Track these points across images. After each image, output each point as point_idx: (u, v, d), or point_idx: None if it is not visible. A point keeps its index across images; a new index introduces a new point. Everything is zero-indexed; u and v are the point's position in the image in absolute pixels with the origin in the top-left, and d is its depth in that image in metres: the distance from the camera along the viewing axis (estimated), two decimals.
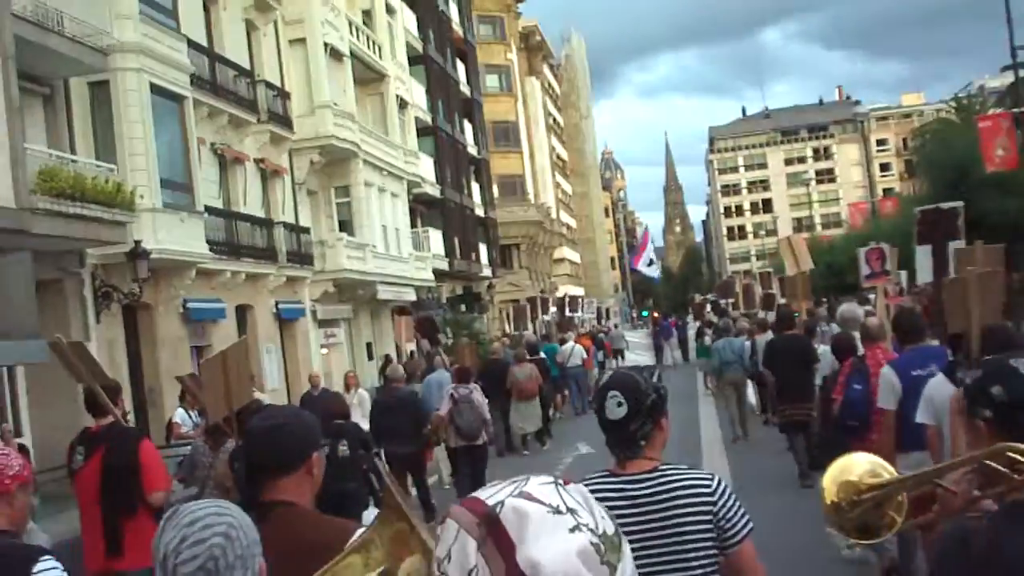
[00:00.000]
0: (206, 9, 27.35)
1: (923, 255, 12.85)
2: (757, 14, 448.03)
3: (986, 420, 2.97)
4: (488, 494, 1.42)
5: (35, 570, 3.44)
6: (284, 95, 30.69)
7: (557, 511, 1.38)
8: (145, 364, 22.89)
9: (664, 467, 3.59)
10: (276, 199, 30.16)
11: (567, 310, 51.52)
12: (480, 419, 14.54)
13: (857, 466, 3.43)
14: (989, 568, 2.53)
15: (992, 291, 8.72)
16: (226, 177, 27.46)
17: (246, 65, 28.86)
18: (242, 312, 27.52)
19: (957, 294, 9.62)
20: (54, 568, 3.49)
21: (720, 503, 3.51)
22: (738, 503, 3.56)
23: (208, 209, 24.56)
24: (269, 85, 29.77)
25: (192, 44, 24.71)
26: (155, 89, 21.55)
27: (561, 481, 1.45)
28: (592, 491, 3.46)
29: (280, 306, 29.44)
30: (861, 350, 9.38)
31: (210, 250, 23.59)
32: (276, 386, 27.70)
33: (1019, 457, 2.78)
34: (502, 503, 1.39)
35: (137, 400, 21.55)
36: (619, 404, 3.53)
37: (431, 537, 1.65)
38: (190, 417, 15.43)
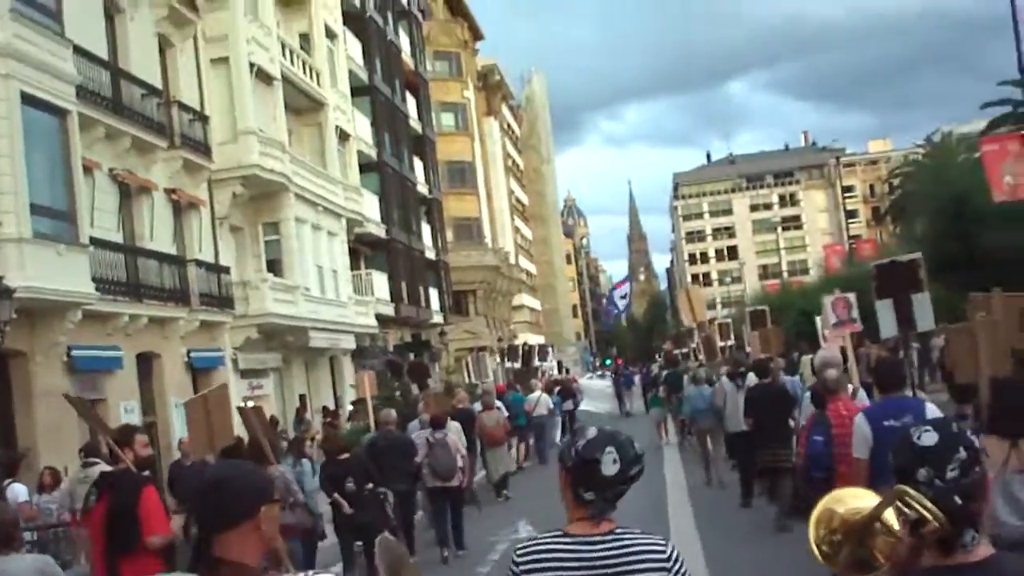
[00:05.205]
0: (109, 18, 24.22)
1: (884, 309, 12.75)
2: (727, 65, 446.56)
3: None
4: None
5: None
6: (202, 119, 27.58)
7: None
8: (19, 421, 19.67)
9: (619, 530, 3.42)
10: (191, 235, 26.98)
11: (536, 359, 49.41)
12: (454, 461, 14.94)
13: (837, 503, 3.02)
14: None
15: (999, 340, 8.95)
16: (128, 208, 24.24)
17: (157, 84, 25.74)
18: (145, 361, 24.23)
19: (964, 343, 9.88)
20: None
21: (674, 569, 3.41)
22: (687, 568, 3.43)
23: (101, 243, 21.47)
24: (184, 107, 26.68)
25: (87, 55, 21.75)
26: (28, 99, 18.39)
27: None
28: (544, 551, 3.40)
29: (192, 354, 26.15)
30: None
31: (98, 289, 20.42)
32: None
33: (909, 500, 2.68)
34: None
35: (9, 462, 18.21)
36: (615, 461, 3.38)
37: None
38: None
